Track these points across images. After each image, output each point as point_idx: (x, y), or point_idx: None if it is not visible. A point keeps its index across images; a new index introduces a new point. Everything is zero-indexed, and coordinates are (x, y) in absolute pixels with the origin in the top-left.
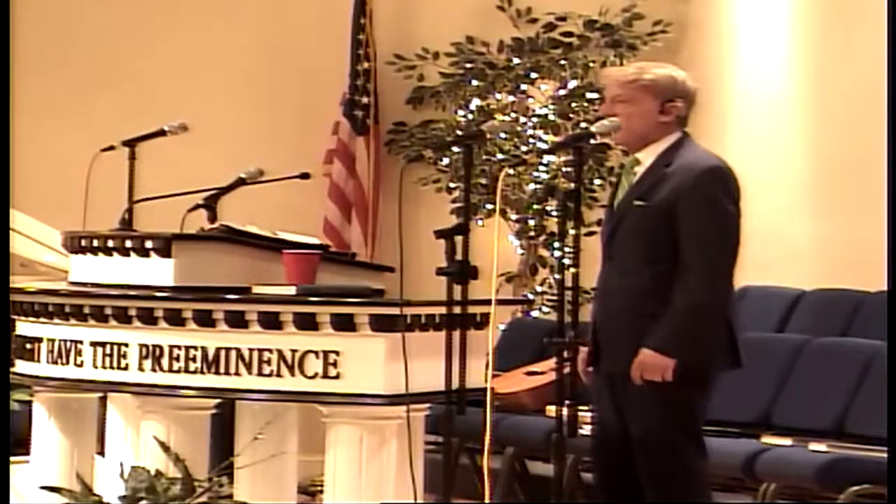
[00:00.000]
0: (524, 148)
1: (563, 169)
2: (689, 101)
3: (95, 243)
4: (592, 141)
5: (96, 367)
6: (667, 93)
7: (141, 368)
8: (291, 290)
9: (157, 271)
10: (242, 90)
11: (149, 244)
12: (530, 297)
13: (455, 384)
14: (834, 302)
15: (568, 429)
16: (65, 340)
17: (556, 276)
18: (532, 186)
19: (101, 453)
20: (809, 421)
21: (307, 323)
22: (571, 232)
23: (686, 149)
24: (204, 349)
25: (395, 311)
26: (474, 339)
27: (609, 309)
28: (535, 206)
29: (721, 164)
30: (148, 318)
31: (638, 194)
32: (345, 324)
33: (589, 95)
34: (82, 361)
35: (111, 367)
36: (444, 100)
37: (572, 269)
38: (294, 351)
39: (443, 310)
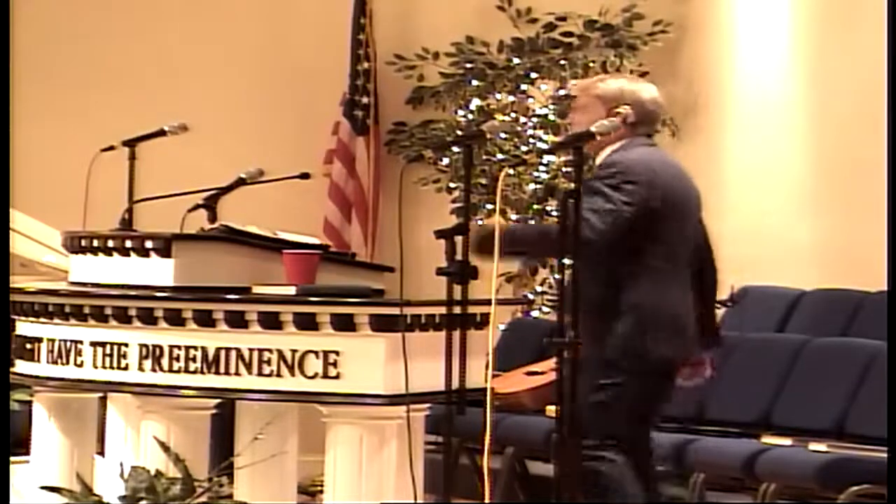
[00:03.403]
0: (524, 148)
1: (563, 169)
2: (639, 109)
3: (95, 243)
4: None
5: (96, 367)
6: (614, 101)
7: (141, 368)
8: (291, 290)
9: (157, 271)
10: (242, 90)
11: (149, 244)
12: (530, 297)
13: (455, 384)
14: (834, 302)
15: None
16: (65, 340)
17: (556, 276)
18: (532, 186)
19: (101, 453)
20: (809, 421)
21: (307, 323)
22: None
23: (626, 151)
24: (204, 349)
25: (395, 311)
26: (474, 339)
27: None
28: (535, 206)
29: (624, 161)
30: (148, 318)
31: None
32: (345, 324)
33: None
34: (82, 361)
35: (111, 367)
36: (444, 100)
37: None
38: (294, 351)
39: (443, 310)
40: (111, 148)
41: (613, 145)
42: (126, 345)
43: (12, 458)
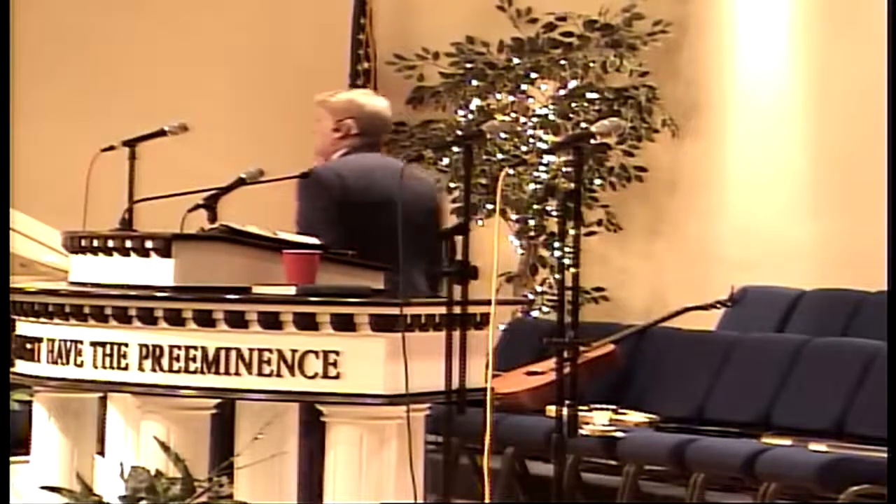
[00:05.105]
0: (524, 148)
1: (563, 169)
2: (364, 121)
3: (95, 243)
4: (592, 141)
5: (96, 367)
6: (341, 113)
7: (141, 368)
8: (291, 290)
9: (157, 271)
10: (243, 90)
11: (149, 244)
12: (530, 297)
13: (455, 384)
14: (834, 302)
15: (568, 429)
16: (65, 340)
17: (556, 276)
18: (532, 186)
19: (101, 453)
20: (809, 421)
21: (307, 323)
22: (571, 232)
23: (343, 159)
24: (204, 349)
25: (395, 311)
26: (474, 339)
27: None
28: (535, 206)
29: (320, 169)
30: (148, 318)
31: None
32: (345, 324)
33: (589, 95)
34: (82, 361)
35: (111, 367)
36: (444, 100)
37: (572, 269)
38: (294, 351)
39: (443, 310)
40: (111, 148)
41: (339, 153)
42: (126, 345)
43: (12, 458)
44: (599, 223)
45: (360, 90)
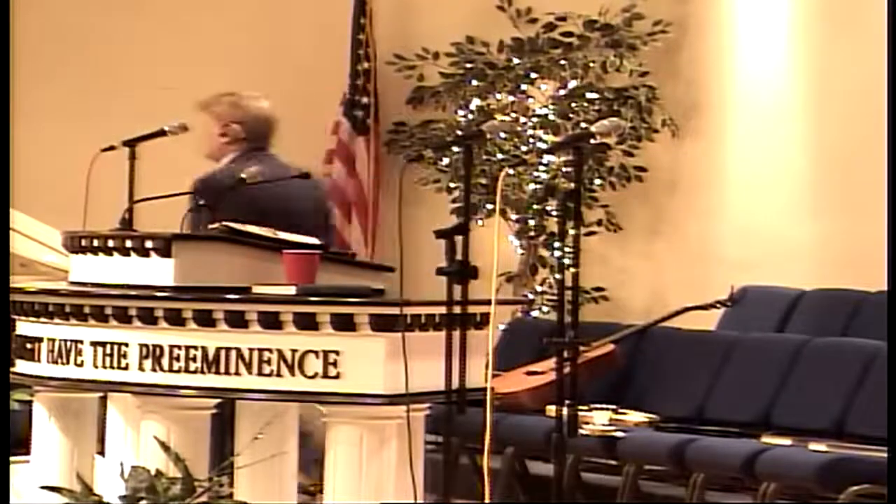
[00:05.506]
0: (524, 148)
1: (563, 169)
2: (249, 125)
3: (95, 243)
4: (592, 141)
5: (96, 367)
6: (225, 117)
7: (141, 368)
8: (291, 290)
9: (157, 271)
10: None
11: (149, 244)
12: (530, 297)
13: (455, 384)
14: (834, 302)
15: (568, 429)
16: (65, 340)
17: (556, 276)
18: (532, 186)
19: (101, 453)
20: (809, 421)
21: (307, 323)
22: (571, 232)
23: (231, 162)
24: (204, 349)
25: (395, 311)
26: (474, 339)
27: None
28: (535, 206)
29: (202, 176)
30: (148, 318)
31: None
32: (345, 324)
33: (589, 95)
34: (82, 361)
35: (111, 367)
36: (444, 100)
37: (572, 269)
38: (294, 351)
39: (443, 310)
40: (111, 148)
41: (227, 158)
42: (126, 345)
43: (12, 458)
44: (599, 223)
45: (245, 92)
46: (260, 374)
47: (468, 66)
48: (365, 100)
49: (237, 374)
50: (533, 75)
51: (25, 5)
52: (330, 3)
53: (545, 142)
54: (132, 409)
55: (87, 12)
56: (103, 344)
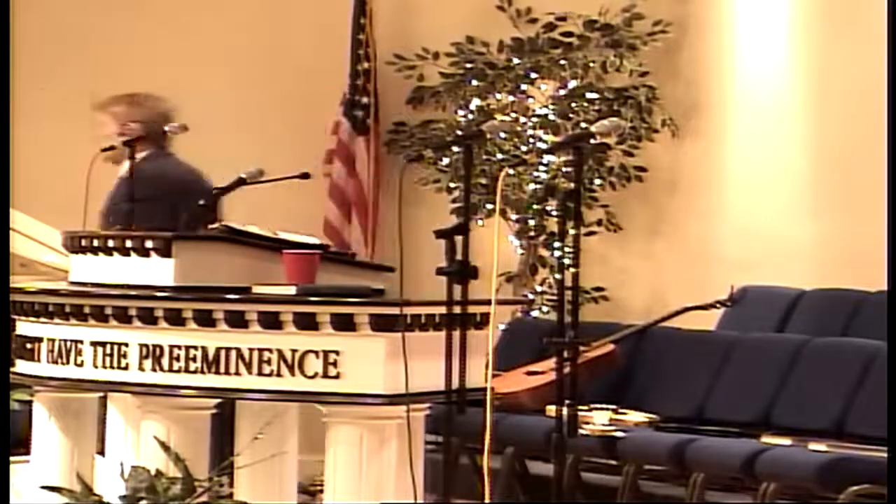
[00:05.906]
0: (524, 148)
1: (563, 169)
2: (147, 126)
3: (95, 243)
4: (592, 141)
5: (96, 367)
6: (122, 117)
7: (141, 368)
8: (291, 290)
9: (157, 271)
10: (242, 90)
11: (149, 244)
12: (530, 297)
13: (455, 384)
14: (834, 302)
15: (568, 429)
16: (65, 340)
17: (556, 276)
18: (532, 186)
19: (101, 453)
20: (809, 421)
21: (307, 323)
22: (571, 232)
23: (147, 161)
24: (204, 349)
25: (395, 311)
26: (474, 339)
27: None
28: (535, 206)
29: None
30: (148, 318)
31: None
32: (345, 324)
33: (589, 95)
34: (82, 361)
35: (111, 367)
36: (444, 100)
37: (572, 269)
38: (294, 351)
39: (443, 310)
40: (111, 148)
41: (142, 154)
42: (126, 345)
43: (12, 458)
44: (599, 223)
45: (139, 92)
46: (260, 374)
47: (468, 66)
48: (365, 100)
49: (237, 374)
50: (533, 75)
51: (25, 5)
52: (330, 3)
53: (545, 142)
54: (132, 409)
55: (87, 12)
56: (103, 344)
